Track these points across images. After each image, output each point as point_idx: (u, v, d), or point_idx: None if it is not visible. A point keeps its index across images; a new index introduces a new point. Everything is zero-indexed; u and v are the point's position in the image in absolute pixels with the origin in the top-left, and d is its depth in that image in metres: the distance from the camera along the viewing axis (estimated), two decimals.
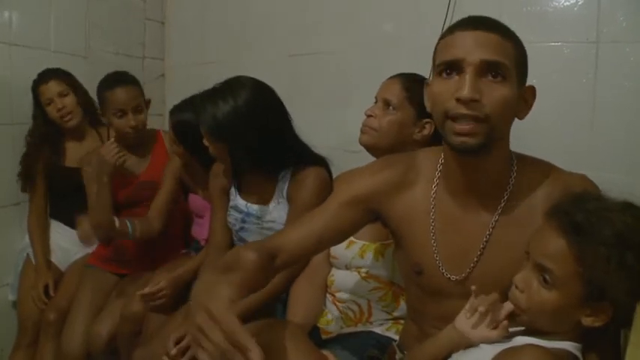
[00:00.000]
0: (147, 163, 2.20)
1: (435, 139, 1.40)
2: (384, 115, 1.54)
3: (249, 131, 1.58)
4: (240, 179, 1.79)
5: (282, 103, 1.68)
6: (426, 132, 1.53)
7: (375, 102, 1.59)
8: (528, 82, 1.09)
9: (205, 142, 1.67)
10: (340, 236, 1.29)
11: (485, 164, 1.08)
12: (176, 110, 1.99)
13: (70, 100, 2.14)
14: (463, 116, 0.99)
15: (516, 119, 1.08)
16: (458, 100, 0.98)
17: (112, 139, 2.04)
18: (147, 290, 1.82)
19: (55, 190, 2.25)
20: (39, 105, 2.14)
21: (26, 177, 2.19)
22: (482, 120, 0.98)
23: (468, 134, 0.99)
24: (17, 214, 2.24)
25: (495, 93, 0.99)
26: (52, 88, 2.10)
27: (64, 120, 2.14)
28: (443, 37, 1.07)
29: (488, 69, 0.99)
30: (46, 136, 2.17)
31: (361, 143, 1.57)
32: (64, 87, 2.13)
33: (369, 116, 1.56)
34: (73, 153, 2.23)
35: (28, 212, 2.24)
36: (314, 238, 1.22)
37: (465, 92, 0.97)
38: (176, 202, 2.12)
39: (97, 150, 2.09)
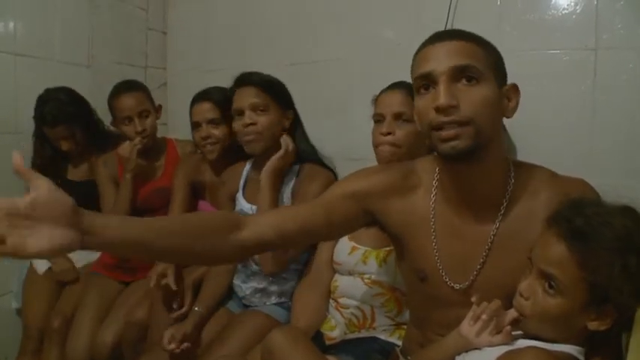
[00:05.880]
0: (161, 170, 2.23)
1: None
2: (400, 129, 1.52)
3: (288, 100, 1.77)
4: (247, 181, 1.83)
5: None
6: None
7: (377, 120, 1.58)
8: (528, 89, 1.10)
9: (244, 104, 1.72)
10: (329, 229, 1.22)
11: (479, 172, 1.09)
12: (207, 92, 2.01)
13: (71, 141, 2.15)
14: (445, 124, 1.01)
15: (516, 123, 1.10)
16: (437, 109, 1.01)
17: (127, 142, 2.09)
18: (183, 310, 1.81)
19: None
20: (41, 134, 2.14)
21: None
22: (465, 123, 1.00)
23: (455, 138, 1.01)
24: None
25: (473, 95, 1.01)
26: (56, 133, 2.10)
27: (65, 151, 2.16)
28: (414, 57, 1.10)
29: (460, 74, 1.01)
30: (52, 159, 2.17)
31: (383, 163, 1.54)
32: (68, 132, 2.12)
33: (387, 134, 1.53)
34: (76, 167, 2.26)
35: None
36: (296, 222, 1.16)
37: (441, 100, 1.00)
38: (191, 209, 2.13)
39: (113, 153, 2.16)
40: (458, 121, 1.00)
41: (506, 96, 1.08)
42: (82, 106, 2.18)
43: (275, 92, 1.74)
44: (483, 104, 1.01)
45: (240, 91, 1.73)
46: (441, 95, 1.00)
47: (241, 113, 1.72)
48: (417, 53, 1.09)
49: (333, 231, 1.27)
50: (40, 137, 2.15)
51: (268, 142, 1.72)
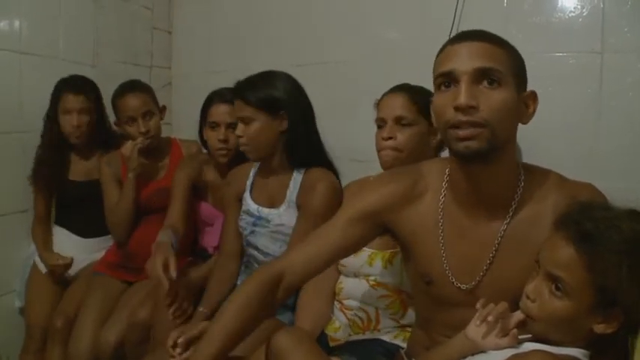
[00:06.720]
0: (165, 170, 2.22)
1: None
2: (402, 133, 1.53)
3: (300, 104, 1.73)
4: (255, 181, 1.83)
5: None
6: (439, 137, 1.49)
7: (380, 125, 1.58)
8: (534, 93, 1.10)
9: (235, 117, 1.71)
10: (349, 252, 1.31)
11: (492, 173, 1.09)
12: (229, 94, 1.95)
13: (85, 119, 2.14)
14: (463, 123, 1.01)
15: (522, 126, 1.10)
16: (456, 108, 1.01)
17: (130, 141, 2.09)
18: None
19: (61, 200, 2.27)
20: (53, 114, 2.13)
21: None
22: (482, 125, 1.01)
23: (470, 138, 1.02)
24: (24, 221, 2.24)
25: (492, 98, 1.02)
26: (75, 102, 2.10)
27: (73, 135, 2.15)
28: (438, 54, 1.11)
29: (482, 76, 1.02)
30: (57, 149, 2.17)
31: (386, 168, 1.55)
32: (86, 105, 2.13)
33: (388, 139, 1.53)
34: (78, 167, 2.24)
35: (32, 219, 2.25)
36: (322, 257, 1.25)
37: (462, 100, 1.00)
38: (191, 210, 2.10)
39: (117, 152, 2.15)
40: (474, 122, 1.01)
41: (524, 102, 1.09)
42: (99, 94, 2.21)
43: (260, 102, 1.67)
44: (501, 108, 1.02)
45: (236, 103, 1.71)
46: (462, 95, 1.01)
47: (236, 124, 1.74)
48: (441, 51, 1.10)
49: (351, 251, 1.32)
50: (48, 131, 2.14)
51: (261, 150, 1.72)
